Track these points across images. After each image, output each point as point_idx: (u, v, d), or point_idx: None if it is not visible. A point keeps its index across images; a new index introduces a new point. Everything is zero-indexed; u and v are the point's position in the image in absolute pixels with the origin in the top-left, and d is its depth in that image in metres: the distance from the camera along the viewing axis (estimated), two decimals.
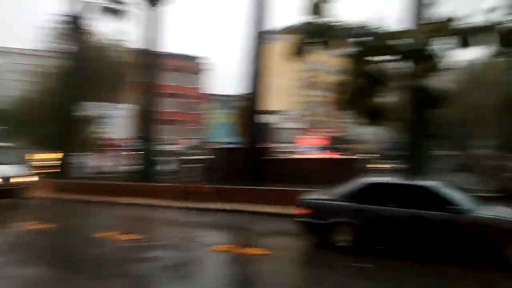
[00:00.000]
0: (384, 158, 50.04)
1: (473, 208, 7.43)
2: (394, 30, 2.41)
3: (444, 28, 2.32)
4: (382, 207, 7.86)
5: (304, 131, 54.51)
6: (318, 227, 8.31)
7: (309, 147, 51.65)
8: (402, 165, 13.92)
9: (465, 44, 2.30)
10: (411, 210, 7.57)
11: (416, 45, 2.27)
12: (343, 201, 8.26)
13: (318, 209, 8.43)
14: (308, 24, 2.83)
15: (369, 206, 7.90)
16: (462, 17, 2.30)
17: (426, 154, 12.89)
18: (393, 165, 24.10)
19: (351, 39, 2.53)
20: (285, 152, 41.13)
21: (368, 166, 24.92)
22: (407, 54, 2.33)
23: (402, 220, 7.55)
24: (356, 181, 8.80)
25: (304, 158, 27.40)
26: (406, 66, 2.44)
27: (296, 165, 19.35)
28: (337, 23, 2.67)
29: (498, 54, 2.15)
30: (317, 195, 9.07)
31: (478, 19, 2.23)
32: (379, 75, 2.44)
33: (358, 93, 2.56)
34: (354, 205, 8.06)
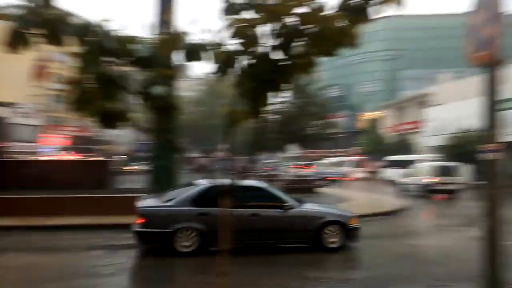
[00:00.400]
0: (134, 159, 50.37)
1: (295, 204, 8.62)
2: (131, 35, 2.40)
3: (176, 41, 2.50)
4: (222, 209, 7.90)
5: (45, 128, 48.10)
6: (158, 235, 7.84)
7: (52, 147, 46.11)
8: (149, 167, 14.41)
9: (191, 58, 2.55)
10: (250, 209, 8.09)
11: (147, 53, 2.36)
12: (182, 206, 8.02)
13: (155, 217, 7.93)
14: (27, 10, 2.39)
15: (210, 209, 7.74)
16: (194, 33, 2.57)
17: (170, 156, 13.78)
18: (142, 167, 24.67)
19: (81, 37, 2.33)
20: (23, 153, 35.45)
21: (120, 168, 24.52)
22: (140, 61, 2.37)
23: (242, 219, 7.77)
24: (194, 185, 8.69)
25: (46, 160, 24.25)
26: (142, 72, 2.49)
27: (37, 168, 16.76)
28: (64, 16, 2.41)
29: (216, 72, 2.48)
30: (151, 202, 8.55)
31: (204, 38, 2.54)
32: (112, 78, 2.37)
33: (89, 94, 2.39)
34: (195, 209, 7.95)
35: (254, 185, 9.05)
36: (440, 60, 67.59)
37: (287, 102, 22.50)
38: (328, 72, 68.00)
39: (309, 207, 9.00)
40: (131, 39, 2.78)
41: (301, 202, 9.08)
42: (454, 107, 35.45)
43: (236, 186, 8.89)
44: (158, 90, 2.76)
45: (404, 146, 41.55)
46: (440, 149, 34.77)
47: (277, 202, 8.49)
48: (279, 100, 22.39)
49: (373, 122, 59.76)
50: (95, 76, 2.74)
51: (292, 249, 8.46)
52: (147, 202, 8.57)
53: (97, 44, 2.58)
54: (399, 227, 11.99)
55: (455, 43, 65.37)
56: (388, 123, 52.64)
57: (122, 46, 2.67)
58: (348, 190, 23.33)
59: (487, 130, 4.05)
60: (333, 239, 8.46)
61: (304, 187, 20.27)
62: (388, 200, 17.53)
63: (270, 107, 23.06)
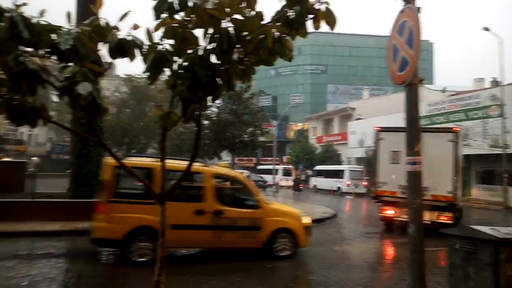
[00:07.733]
0: (50, 161, 46.43)
1: None
2: (51, 24, 2.13)
3: (104, 34, 2.28)
4: None
5: None
6: None
7: None
8: (71, 170, 13.43)
9: (119, 55, 2.34)
10: None
11: (70, 45, 2.12)
12: None
13: None
14: None
15: None
16: (123, 28, 2.36)
17: (95, 160, 12.94)
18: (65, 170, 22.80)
19: None
20: None
21: (35, 170, 22.29)
22: (62, 53, 2.11)
23: None
24: None
25: None
26: (66, 66, 2.22)
27: None
28: None
29: (146, 71, 2.33)
30: None
31: (135, 34, 2.34)
32: (25, 70, 2.09)
33: None
34: None
35: None
36: (361, 77, 72.54)
37: (221, 108, 22.43)
38: (259, 82, 69.32)
39: None
40: (51, 28, 2.50)
41: None
42: (374, 121, 38.08)
43: None
44: (85, 87, 2.50)
45: (330, 156, 43.57)
46: (361, 160, 37.03)
47: None
48: (213, 105, 22.30)
49: (301, 132, 62.02)
50: (3, 66, 2.41)
51: None
52: None
53: (6, 30, 2.26)
54: (329, 234, 12.38)
55: (374, 62, 70.65)
56: (315, 134, 54.93)
57: (40, 35, 2.38)
58: (278, 198, 23.74)
59: (408, 144, 4.33)
60: None
61: None
62: (317, 209, 18.10)
63: (204, 112, 22.67)
